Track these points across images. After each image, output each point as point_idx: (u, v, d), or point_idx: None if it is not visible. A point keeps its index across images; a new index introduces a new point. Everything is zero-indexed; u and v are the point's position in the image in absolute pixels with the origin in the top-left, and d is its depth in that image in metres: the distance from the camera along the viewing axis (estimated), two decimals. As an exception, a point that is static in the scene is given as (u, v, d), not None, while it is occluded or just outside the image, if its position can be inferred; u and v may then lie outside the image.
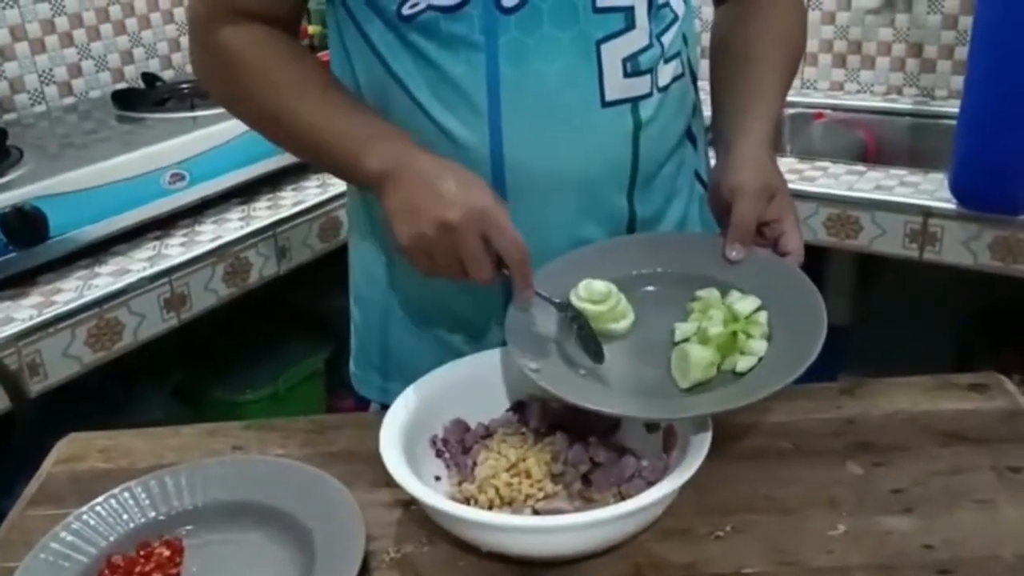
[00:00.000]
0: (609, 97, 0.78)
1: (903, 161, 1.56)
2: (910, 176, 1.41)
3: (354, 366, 0.98)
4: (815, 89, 1.84)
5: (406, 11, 0.76)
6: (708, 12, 1.90)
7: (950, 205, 1.29)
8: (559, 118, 0.77)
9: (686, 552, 0.68)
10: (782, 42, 0.89)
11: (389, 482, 0.66)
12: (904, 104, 1.76)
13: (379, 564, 0.68)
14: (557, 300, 0.75)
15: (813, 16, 1.80)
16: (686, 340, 0.73)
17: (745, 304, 0.74)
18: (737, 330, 0.72)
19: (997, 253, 1.27)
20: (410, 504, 0.72)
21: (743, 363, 0.71)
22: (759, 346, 0.71)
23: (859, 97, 1.81)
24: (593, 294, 0.75)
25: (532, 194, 0.79)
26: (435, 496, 0.65)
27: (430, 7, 0.75)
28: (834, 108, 1.79)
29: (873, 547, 0.67)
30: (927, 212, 1.31)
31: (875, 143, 1.75)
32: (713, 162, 0.90)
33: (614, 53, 0.77)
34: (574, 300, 0.75)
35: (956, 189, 1.28)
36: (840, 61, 1.82)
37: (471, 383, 0.78)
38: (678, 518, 0.69)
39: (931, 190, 1.35)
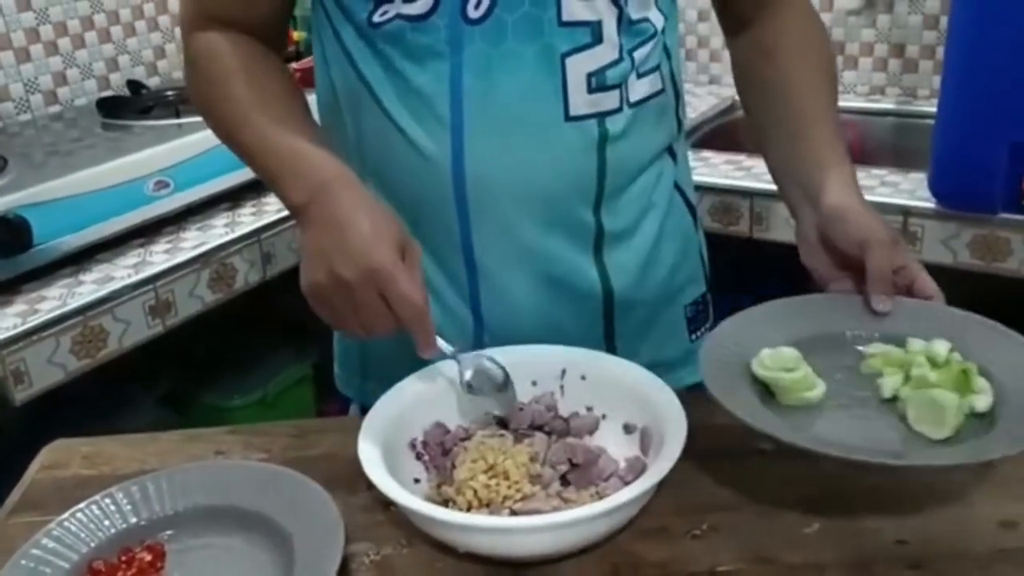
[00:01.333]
0: (573, 112, 0.77)
1: (887, 160, 1.56)
2: (891, 176, 1.42)
3: (337, 367, 0.99)
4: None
5: (376, 19, 0.76)
6: (691, 15, 1.93)
7: (929, 204, 1.30)
8: (522, 131, 0.77)
9: (663, 551, 0.68)
10: (823, 66, 0.88)
11: (369, 485, 0.67)
12: (887, 104, 1.77)
13: (359, 566, 0.69)
14: (457, 355, 0.75)
15: (795, 17, 1.81)
16: (897, 398, 0.69)
17: (940, 346, 0.71)
18: (967, 368, 0.68)
19: (976, 252, 1.28)
20: (389, 507, 0.72)
21: (981, 402, 0.67)
22: (984, 383, 0.68)
23: (843, 97, 1.79)
24: (786, 361, 0.69)
25: (495, 206, 0.79)
26: (412, 498, 0.66)
27: (398, 16, 0.75)
28: (817, 109, 1.80)
29: (847, 544, 0.67)
30: (907, 211, 1.32)
31: (859, 143, 1.76)
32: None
33: (579, 67, 0.76)
34: (759, 371, 0.70)
35: (935, 188, 1.29)
36: (823, 62, 1.83)
37: (451, 386, 0.78)
38: (655, 517, 0.70)
39: (911, 189, 1.36)
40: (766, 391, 0.69)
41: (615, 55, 0.78)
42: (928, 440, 0.65)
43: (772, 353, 0.70)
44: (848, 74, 1.82)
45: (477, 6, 0.74)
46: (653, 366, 0.89)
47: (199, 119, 1.38)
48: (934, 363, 0.70)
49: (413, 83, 0.77)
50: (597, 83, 0.78)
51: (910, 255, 0.79)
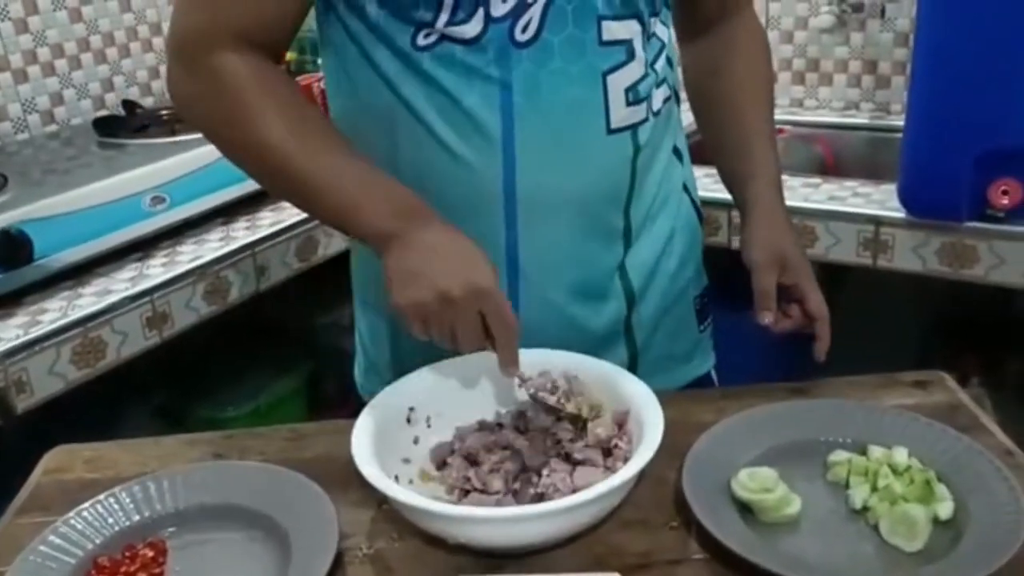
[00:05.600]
0: (614, 125, 0.82)
1: (861, 173, 1.60)
2: (862, 187, 1.46)
3: (360, 377, 1.01)
4: (776, 106, 1.90)
5: (421, 41, 0.78)
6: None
7: (899, 214, 1.34)
8: (569, 146, 0.81)
9: (642, 541, 0.72)
10: (762, 86, 0.97)
11: (362, 483, 0.70)
12: (861, 119, 1.82)
13: (352, 560, 0.72)
14: (533, 390, 0.78)
15: (772, 35, 1.87)
16: (867, 508, 0.72)
17: (900, 453, 0.76)
18: (929, 478, 0.72)
19: (945, 259, 1.32)
20: (382, 503, 0.75)
21: (944, 510, 0.71)
22: (944, 490, 0.72)
23: (818, 112, 1.87)
24: (765, 481, 0.73)
25: (541, 215, 0.83)
26: (400, 489, 0.69)
27: (446, 38, 0.77)
28: (794, 124, 1.85)
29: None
30: (878, 221, 1.36)
31: (833, 157, 1.81)
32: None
33: (618, 83, 0.81)
34: (740, 492, 0.73)
35: (904, 198, 1.33)
36: (799, 79, 1.89)
37: (441, 385, 0.82)
38: (636, 510, 0.74)
39: (882, 200, 1.40)
40: (745, 507, 0.73)
41: (643, 70, 0.83)
42: (904, 554, 0.69)
43: (750, 473, 0.74)
44: (823, 90, 1.87)
45: (524, 29, 0.77)
46: (668, 358, 0.95)
47: (193, 137, 1.44)
48: (895, 470, 0.74)
49: (462, 103, 0.79)
50: (633, 97, 0.82)
51: (804, 274, 0.88)
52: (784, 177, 1.51)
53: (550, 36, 0.77)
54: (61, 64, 1.72)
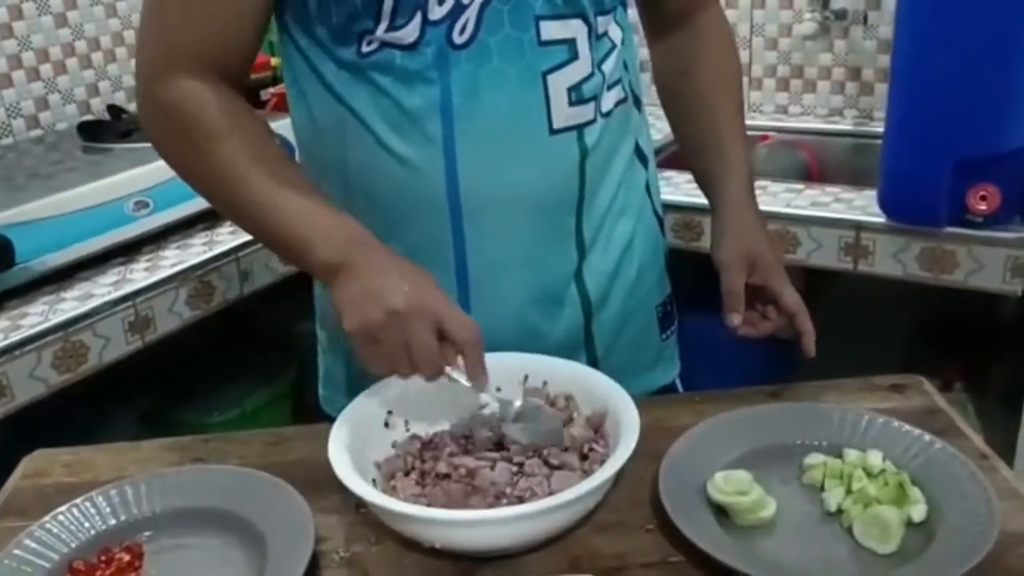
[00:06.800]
0: (556, 125, 0.82)
1: (845, 179, 1.62)
2: (844, 193, 1.47)
3: (322, 388, 1.01)
4: (761, 112, 1.92)
5: (364, 49, 0.79)
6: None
7: (880, 219, 1.36)
8: (510, 146, 0.81)
9: (618, 544, 0.72)
10: (732, 84, 0.97)
11: (340, 487, 0.70)
12: (845, 125, 1.84)
13: (329, 563, 0.72)
14: (504, 397, 0.78)
15: (756, 42, 1.88)
16: (841, 510, 0.73)
17: (874, 456, 0.76)
18: (903, 481, 0.73)
19: (925, 264, 1.34)
20: (360, 507, 0.76)
21: (917, 512, 0.71)
22: (918, 493, 0.73)
23: (802, 119, 1.89)
24: (739, 484, 0.73)
25: (486, 217, 0.83)
26: (379, 494, 0.69)
27: (386, 45, 0.78)
28: (779, 130, 1.86)
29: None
30: (859, 226, 1.37)
31: (817, 163, 1.82)
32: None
33: (560, 83, 0.81)
34: (715, 495, 0.73)
35: (884, 203, 1.34)
36: (783, 85, 1.90)
37: (418, 389, 0.82)
38: (613, 512, 0.74)
39: (863, 206, 1.42)
40: (721, 510, 0.73)
41: (589, 69, 0.83)
42: (877, 556, 0.69)
43: (726, 476, 0.74)
44: (807, 97, 1.89)
45: (461, 32, 0.78)
46: (630, 366, 0.94)
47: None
48: (869, 473, 0.75)
49: (404, 106, 0.80)
50: (576, 97, 0.82)
51: (775, 273, 0.87)
52: (768, 183, 1.55)
53: (487, 37, 0.78)
54: (46, 69, 1.72)
